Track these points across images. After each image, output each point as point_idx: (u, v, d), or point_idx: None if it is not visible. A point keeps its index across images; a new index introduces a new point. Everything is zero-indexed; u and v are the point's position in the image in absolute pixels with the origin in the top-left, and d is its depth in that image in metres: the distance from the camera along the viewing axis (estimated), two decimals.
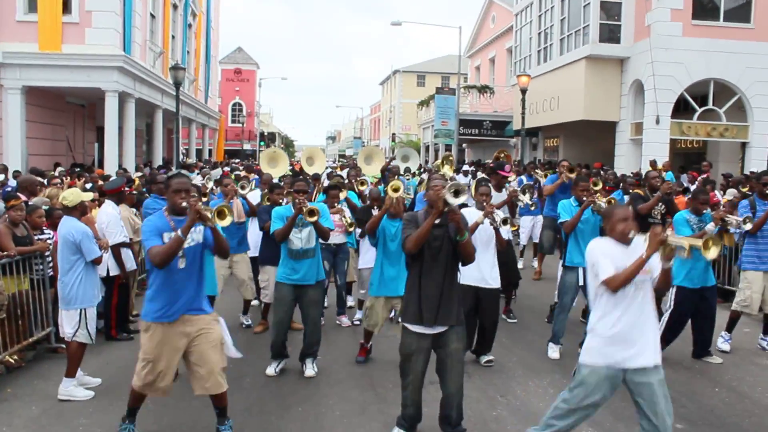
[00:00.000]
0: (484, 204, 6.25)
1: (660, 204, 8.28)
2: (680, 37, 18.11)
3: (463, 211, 6.50)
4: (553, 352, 6.93)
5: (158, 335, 4.52)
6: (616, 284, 3.92)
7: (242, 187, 7.87)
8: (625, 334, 3.97)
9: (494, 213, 6.15)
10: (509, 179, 8.69)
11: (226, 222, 4.50)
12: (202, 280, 4.72)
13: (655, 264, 3.96)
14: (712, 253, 4.03)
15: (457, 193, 4.28)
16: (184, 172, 5.10)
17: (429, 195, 4.62)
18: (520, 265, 11.77)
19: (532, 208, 10.15)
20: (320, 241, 7.93)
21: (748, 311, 7.20)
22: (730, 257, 9.37)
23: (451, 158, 13.91)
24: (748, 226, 6.98)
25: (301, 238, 6.16)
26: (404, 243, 4.59)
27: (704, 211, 6.83)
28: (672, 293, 6.77)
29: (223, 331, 4.75)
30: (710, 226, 6.59)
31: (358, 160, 11.96)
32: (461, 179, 16.08)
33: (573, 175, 9.75)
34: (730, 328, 7.32)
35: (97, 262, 5.89)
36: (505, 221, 6.26)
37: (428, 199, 4.65)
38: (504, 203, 7.97)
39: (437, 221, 4.46)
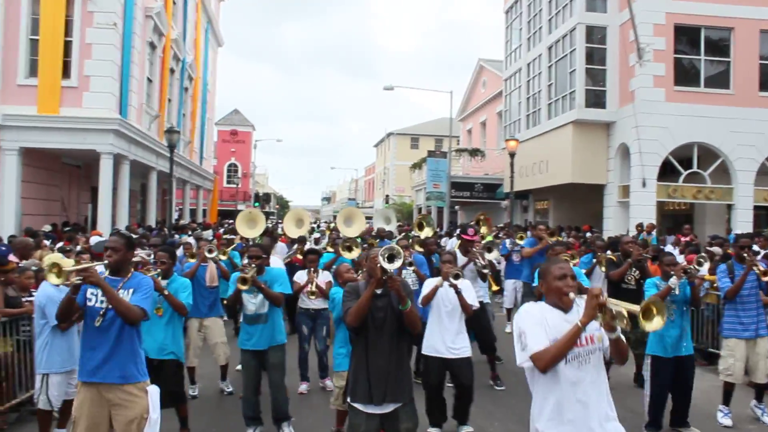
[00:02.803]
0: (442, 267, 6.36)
1: (634, 270, 8.31)
2: (663, 103, 18.65)
3: (429, 280, 6.61)
4: None
5: (81, 394, 4.42)
6: (546, 361, 3.20)
7: (209, 251, 7.80)
8: (576, 424, 3.26)
9: (450, 274, 6.18)
10: (475, 243, 8.84)
11: (54, 280, 4.26)
12: (126, 345, 4.43)
13: (603, 331, 3.28)
14: (654, 323, 3.12)
15: (391, 258, 4.04)
16: (123, 232, 5.04)
17: (367, 264, 4.45)
18: (507, 329, 11.80)
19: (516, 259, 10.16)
20: (305, 305, 8.09)
21: (732, 380, 6.92)
22: (717, 319, 9.20)
23: (428, 219, 13.72)
24: (705, 268, 6.69)
25: (255, 303, 6.22)
26: (344, 316, 4.33)
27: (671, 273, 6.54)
28: (648, 362, 6.55)
29: (150, 406, 4.45)
30: (673, 280, 6.36)
31: (337, 222, 11.76)
32: (453, 243, 16.13)
33: (552, 239, 9.87)
34: (726, 401, 7.01)
35: (61, 327, 5.86)
36: (456, 276, 6.16)
37: (367, 269, 4.49)
38: (465, 265, 8.18)
39: (379, 291, 4.24)
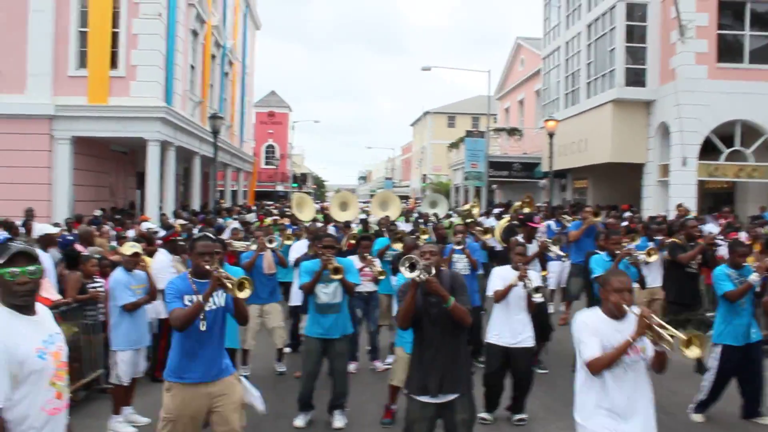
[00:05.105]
0: (519, 265, 6.34)
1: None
2: (705, 80, 18.34)
3: (499, 269, 6.56)
4: None
5: (179, 396, 4.44)
6: (597, 368, 3.67)
7: (270, 241, 8.03)
8: (616, 411, 3.72)
9: (527, 278, 6.19)
10: (539, 230, 8.95)
11: (245, 294, 4.28)
12: (222, 343, 4.64)
13: (648, 343, 3.66)
14: (693, 352, 3.49)
15: (411, 267, 4.14)
16: (208, 234, 5.20)
17: None
18: (550, 310, 11.95)
19: (564, 261, 10.18)
20: (357, 289, 8.32)
21: None
22: None
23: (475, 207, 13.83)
24: None
25: (327, 293, 6.29)
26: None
27: (744, 264, 6.45)
28: (717, 352, 6.43)
29: (246, 391, 4.70)
30: (754, 277, 6.25)
31: (372, 207, 11.81)
32: (492, 222, 16.31)
33: (598, 219, 9.94)
34: None
35: (126, 308, 6.24)
36: (537, 290, 6.18)
37: None
38: (534, 256, 8.26)
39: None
